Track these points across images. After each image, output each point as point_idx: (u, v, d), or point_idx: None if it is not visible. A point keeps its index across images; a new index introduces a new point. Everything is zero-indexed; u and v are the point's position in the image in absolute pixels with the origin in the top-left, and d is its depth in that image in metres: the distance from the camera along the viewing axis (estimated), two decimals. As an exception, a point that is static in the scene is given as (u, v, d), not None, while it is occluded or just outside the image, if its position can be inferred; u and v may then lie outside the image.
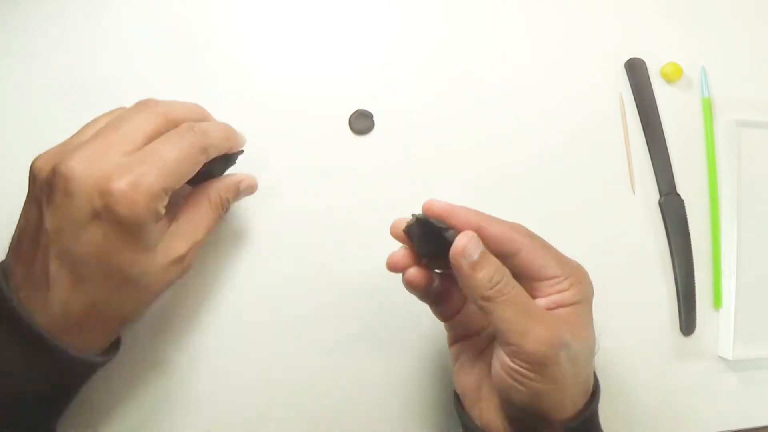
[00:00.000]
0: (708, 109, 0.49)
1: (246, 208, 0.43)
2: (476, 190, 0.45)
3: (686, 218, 0.47)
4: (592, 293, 0.35)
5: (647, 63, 0.49)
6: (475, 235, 0.32)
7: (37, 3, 0.42)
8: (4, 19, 0.42)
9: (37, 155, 0.33)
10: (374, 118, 0.45)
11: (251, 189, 0.39)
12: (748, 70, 0.51)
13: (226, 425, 0.40)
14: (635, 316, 0.47)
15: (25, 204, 0.33)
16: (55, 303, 0.30)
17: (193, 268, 0.36)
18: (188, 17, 0.44)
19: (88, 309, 0.31)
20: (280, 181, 0.43)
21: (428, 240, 0.33)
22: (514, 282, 0.32)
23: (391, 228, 0.35)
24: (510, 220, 0.46)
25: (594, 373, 0.36)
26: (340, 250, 0.43)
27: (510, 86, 0.47)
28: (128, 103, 0.41)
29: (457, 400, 0.38)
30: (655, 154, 0.48)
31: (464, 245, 0.31)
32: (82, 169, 0.30)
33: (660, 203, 0.47)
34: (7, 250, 0.33)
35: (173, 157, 0.32)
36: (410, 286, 0.34)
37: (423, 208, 0.34)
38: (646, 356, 0.46)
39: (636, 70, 0.49)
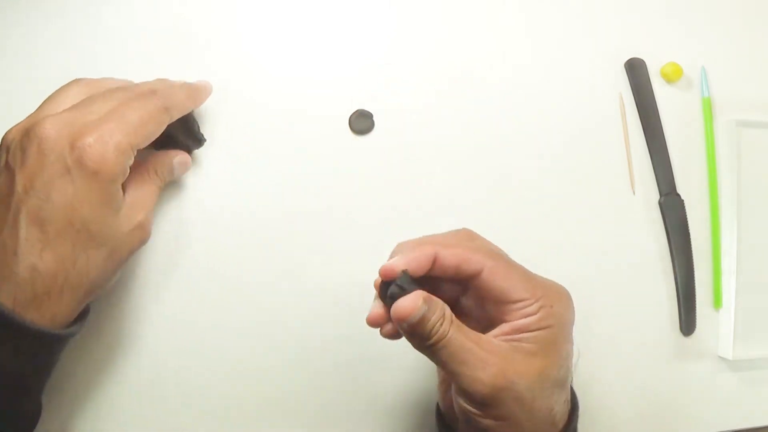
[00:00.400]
0: (708, 109, 0.49)
1: (246, 207, 0.43)
2: (476, 190, 0.45)
3: (686, 218, 0.47)
4: (569, 316, 0.34)
5: (647, 63, 0.49)
6: (415, 299, 0.31)
7: (37, 3, 0.42)
8: (3, 19, 0.42)
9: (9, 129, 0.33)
10: (374, 118, 0.45)
11: (184, 165, 0.40)
12: (748, 70, 0.51)
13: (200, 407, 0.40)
14: (635, 316, 0.47)
15: None
16: (22, 270, 0.30)
17: (188, 258, 0.37)
18: (188, 17, 0.44)
19: (56, 273, 0.31)
20: (280, 180, 0.43)
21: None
22: (457, 323, 0.32)
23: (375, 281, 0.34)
24: (510, 219, 0.46)
25: (570, 398, 0.35)
26: (340, 250, 0.43)
27: (510, 86, 0.47)
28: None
29: (439, 414, 0.38)
30: (655, 154, 0.48)
31: (400, 315, 0.31)
32: (55, 129, 0.31)
33: (660, 203, 0.47)
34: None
35: (137, 116, 0.34)
36: (388, 338, 0.34)
37: (380, 274, 0.33)
38: (646, 356, 0.46)
39: (636, 70, 0.49)
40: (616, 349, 0.46)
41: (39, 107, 0.35)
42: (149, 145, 0.41)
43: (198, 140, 0.41)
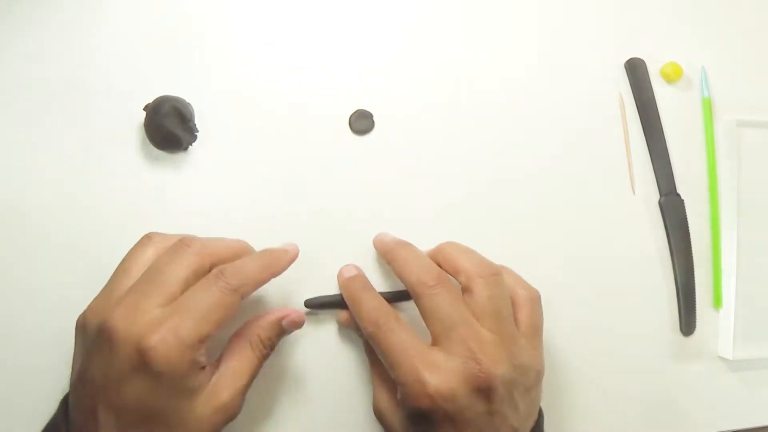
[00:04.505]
0: (708, 109, 0.49)
1: (245, 207, 0.43)
2: (476, 190, 0.45)
3: (686, 218, 0.47)
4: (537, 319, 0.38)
5: (647, 63, 0.49)
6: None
7: (37, 3, 0.42)
8: (3, 19, 0.42)
9: (86, 309, 0.35)
10: (374, 118, 0.45)
11: (296, 324, 0.38)
12: (748, 70, 0.51)
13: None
14: (635, 316, 0.47)
15: (78, 351, 0.35)
16: None
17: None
18: (188, 17, 0.44)
19: None
20: (280, 180, 0.43)
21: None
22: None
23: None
24: (510, 220, 0.46)
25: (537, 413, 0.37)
26: (339, 250, 0.43)
27: (510, 86, 0.47)
28: (129, 104, 0.42)
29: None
30: (655, 154, 0.48)
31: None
32: (122, 326, 0.31)
33: (660, 203, 0.47)
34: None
35: (205, 306, 0.33)
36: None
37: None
38: (646, 356, 0.46)
39: (636, 70, 0.49)
40: (616, 349, 0.46)
41: (114, 275, 0.35)
42: (154, 147, 0.41)
43: (193, 134, 0.41)
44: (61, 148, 0.41)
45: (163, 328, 0.31)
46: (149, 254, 0.36)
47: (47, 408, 0.37)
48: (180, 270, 0.34)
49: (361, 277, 0.41)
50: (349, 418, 0.42)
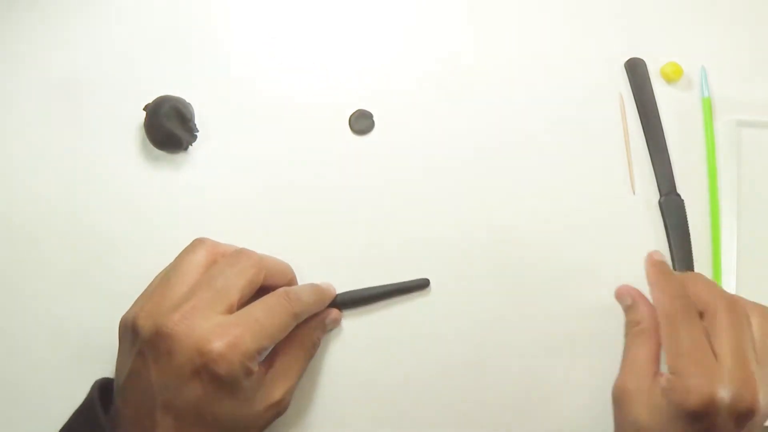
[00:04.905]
0: (708, 109, 0.49)
1: (245, 207, 0.43)
2: (476, 190, 0.45)
3: (686, 218, 0.47)
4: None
5: (647, 63, 0.49)
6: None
7: (37, 3, 0.42)
8: (3, 19, 0.42)
9: (136, 310, 0.35)
10: (374, 118, 0.45)
11: (336, 322, 0.42)
12: (748, 70, 0.51)
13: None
14: (635, 316, 0.47)
15: (126, 353, 0.35)
16: None
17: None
18: (188, 17, 0.44)
19: None
20: (280, 180, 0.43)
21: None
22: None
23: None
24: (510, 220, 0.46)
25: None
26: (339, 251, 0.43)
27: (510, 86, 0.47)
28: (129, 104, 0.42)
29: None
30: (655, 154, 0.48)
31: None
32: (183, 331, 0.33)
33: (660, 203, 0.47)
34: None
35: (268, 323, 0.35)
36: None
37: None
38: (646, 356, 0.46)
39: (636, 70, 0.49)
40: (616, 349, 0.46)
41: (166, 277, 0.36)
42: (154, 146, 0.41)
43: (193, 134, 0.41)
44: (61, 148, 0.41)
45: (227, 336, 0.33)
46: (200, 259, 0.37)
47: (48, 407, 0.37)
48: (239, 280, 0.35)
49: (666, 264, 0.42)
50: (353, 410, 0.42)
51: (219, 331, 0.33)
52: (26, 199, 0.41)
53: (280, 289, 0.37)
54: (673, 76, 0.49)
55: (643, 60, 0.49)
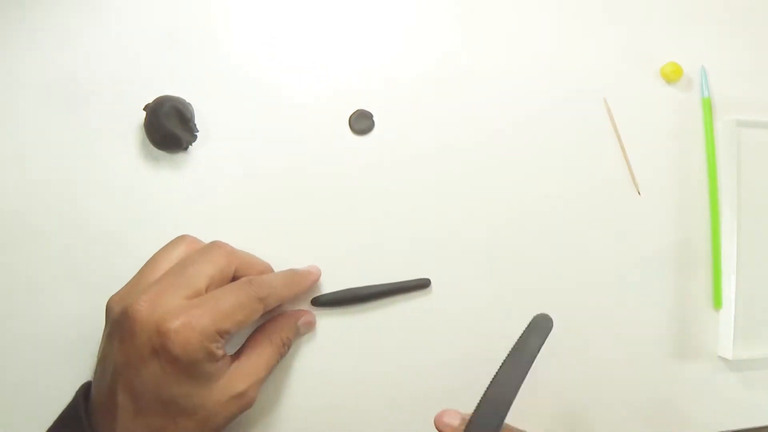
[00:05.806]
0: (708, 109, 0.49)
1: (245, 207, 0.43)
2: (476, 191, 0.45)
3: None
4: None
5: (647, 63, 0.49)
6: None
7: (37, 3, 0.42)
8: (3, 19, 0.42)
9: (112, 296, 0.36)
10: (374, 118, 0.45)
11: (310, 326, 0.42)
12: (748, 70, 0.51)
13: None
14: (635, 315, 0.47)
15: (104, 336, 0.36)
16: (119, 430, 0.33)
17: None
18: (188, 18, 0.44)
19: None
20: (280, 180, 0.43)
21: None
22: None
23: None
24: (510, 221, 0.46)
25: None
26: (339, 251, 0.43)
27: (511, 87, 0.47)
28: (129, 104, 0.42)
29: None
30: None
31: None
32: (145, 310, 0.33)
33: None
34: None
35: (228, 305, 0.34)
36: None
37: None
38: (645, 356, 0.46)
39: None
40: (616, 349, 0.46)
41: (144, 267, 0.37)
42: (154, 146, 0.41)
43: (193, 134, 0.41)
44: (61, 148, 0.41)
45: (184, 316, 0.33)
46: (179, 252, 0.37)
47: (46, 407, 0.37)
48: (207, 267, 0.35)
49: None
50: (354, 410, 0.42)
51: (178, 312, 0.33)
52: (26, 199, 0.41)
53: (245, 277, 0.37)
54: (673, 76, 0.49)
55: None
